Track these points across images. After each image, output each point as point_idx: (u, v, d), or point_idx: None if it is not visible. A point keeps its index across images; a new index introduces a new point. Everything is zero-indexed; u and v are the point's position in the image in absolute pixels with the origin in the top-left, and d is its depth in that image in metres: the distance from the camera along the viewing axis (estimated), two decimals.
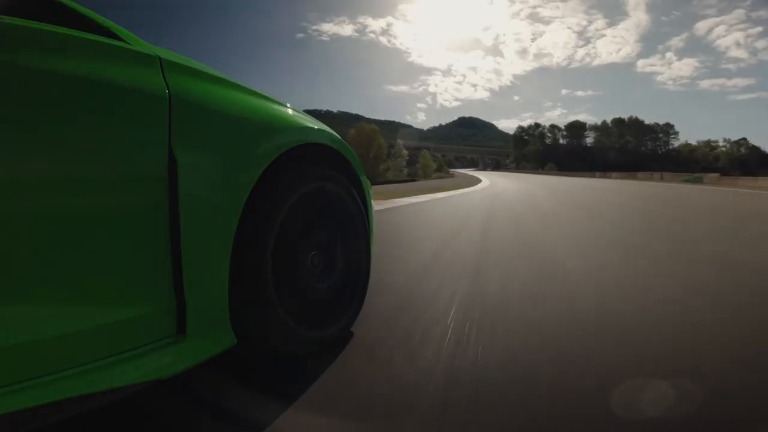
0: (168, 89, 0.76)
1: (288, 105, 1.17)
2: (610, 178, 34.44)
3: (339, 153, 1.27)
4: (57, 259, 0.60)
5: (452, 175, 42.44)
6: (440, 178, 35.45)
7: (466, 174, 41.97)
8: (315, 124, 1.21)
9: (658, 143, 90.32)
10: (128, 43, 0.77)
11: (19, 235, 0.57)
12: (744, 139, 74.48)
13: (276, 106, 1.08)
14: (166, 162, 0.72)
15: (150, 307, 0.70)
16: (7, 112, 0.58)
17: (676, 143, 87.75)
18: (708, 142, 79.97)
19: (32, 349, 0.57)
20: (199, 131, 0.81)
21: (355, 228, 1.26)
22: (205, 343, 0.78)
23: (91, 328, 0.63)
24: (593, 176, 38.81)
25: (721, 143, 78.03)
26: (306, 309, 1.04)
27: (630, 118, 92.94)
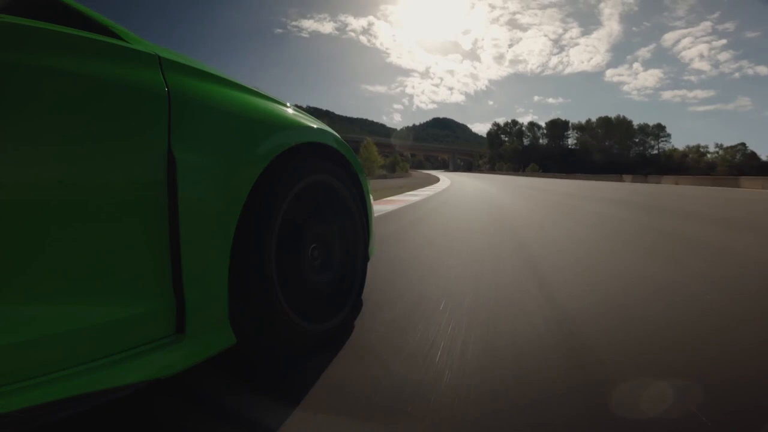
0: (167, 88, 0.76)
1: (288, 104, 1.17)
2: (623, 181, 27.88)
3: (338, 152, 1.27)
4: (56, 258, 0.60)
5: (409, 175, 36.16)
6: (385, 177, 28.79)
7: (429, 175, 34.74)
8: (315, 123, 1.21)
9: (647, 146, 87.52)
10: (127, 42, 0.77)
11: (18, 234, 0.57)
12: (742, 144, 73.17)
13: (276, 105, 1.08)
14: (166, 161, 0.72)
15: (149, 306, 0.70)
16: (6, 112, 0.57)
17: (666, 146, 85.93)
18: (698, 148, 78.84)
19: (32, 349, 0.57)
20: (198, 130, 0.80)
21: (353, 226, 1.26)
22: (204, 342, 0.78)
23: (90, 327, 0.63)
24: (599, 179, 30.55)
25: (712, 149, 76.81)
26: (305, 308, 1.04)
27: (617, 118, 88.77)
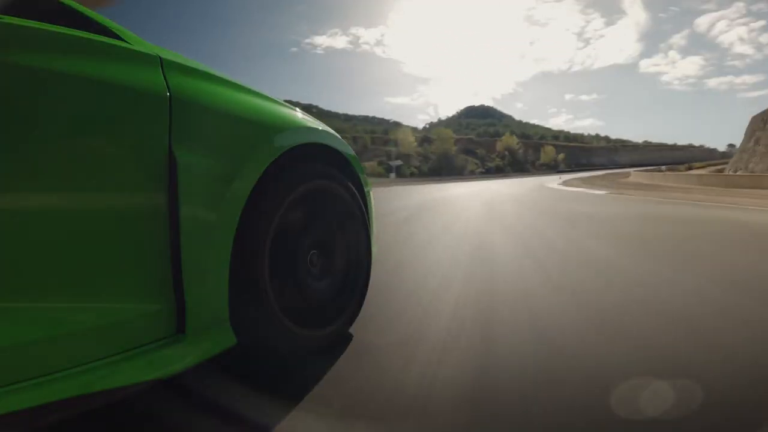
0: (168, 89, 0.76)
1: (288, 105, 1.17)
2: None
3: (339, 152, 1.27)
4: (56, 259, 0.60)
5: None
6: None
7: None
8: (316, 123, 1.21)
9: None
10: (128, 43, 0.77)
11: (18, 234, 0.57)
12: None
13: (277, 106, 1.08)
14: (166, 161, 0.72)
15: (149, 306, 0.70)
16: (7, 112, 0.58)
17: None
18: None
19: (32, 349, 0.57)
20: (199, 131, 0.80)
21: (355, 227, 1.26)
22: (204, 343, 0.78)
23: (90, 327, 0.63)
24: None
25: None
26: (305, 308, 1.04)
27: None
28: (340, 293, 1.18)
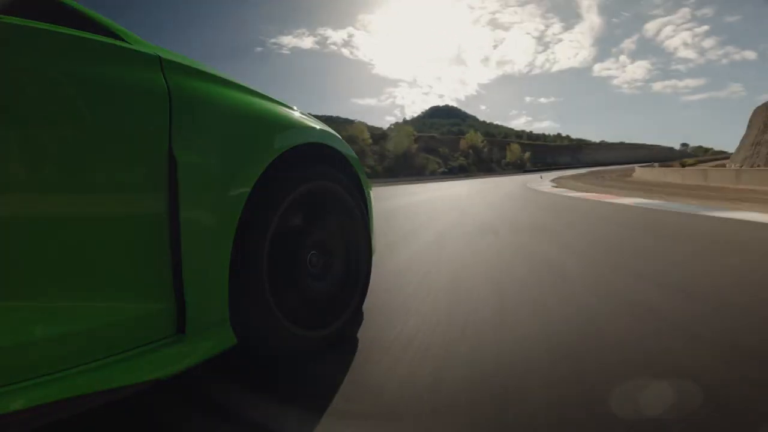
0: (168, 89, 0.76)
1: (288, 104, 1.17)
2: None
3: (339, 152, 1.27)
4: (57, 259, 0.60)
5: None
6: None
7: None
8: (315, 123, 1.21)
9: None
10: (128, 43, 0.77)
11: (19, 235, 0.57)
12: None
13: (276, 106, 1.08)
14: (167, 161, 0.72)
15: (150, 306, 0.70)
16: (7, 112, 0.58)
17: None
18: None
19: (32, 349, 0.57)
20: (199, 131, 0.80)
21: (355, 227, 1.26)
22: (205, 343, 0.78)
23: (91, 328, 0.63)
24: None
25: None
26: (305, 309, 1.04)
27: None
28: (339, 293, 1.18)
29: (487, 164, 72.75)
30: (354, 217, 1.25)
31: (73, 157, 0.63)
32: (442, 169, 58.00)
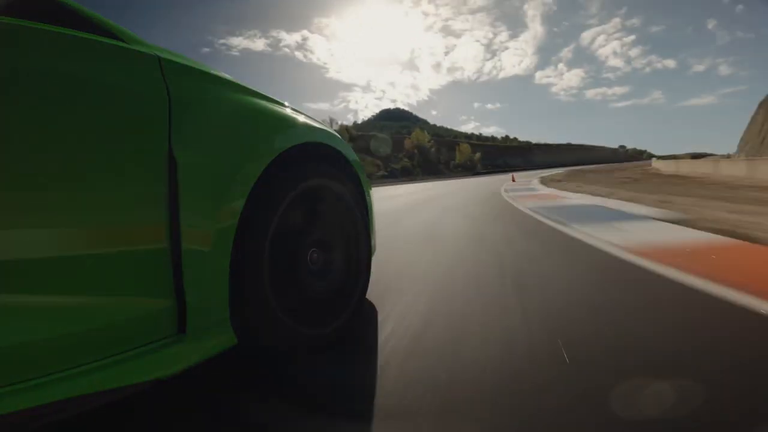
0: (168, 89, 0.76)
1: (287, 104, 1.17)
2: None
3: (339, 152, 1.27)
4: (57, 260, 0.60)
5: None
6: None
7: None
8: (315, 123, 1.21)
9: None
10: (128, 43, 0.77)
11: (19, 235, 0.57)
12: None
13: (276, 106, 1.08)
14: (166, 162, 0.72)
15: (150, 306, 0.70)
16: (7, 113, 0.58)
17: None
18: None
19: (33, 350, 0.57)
20: (198, 131, 0.80)
21: (355, 226, 1.26)
22: (205, 343, 0.78)
23: (91, 328, 0.63)
24: None
25: None
26: (305, 307, 1.04)
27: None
28: (339, 292, 1.19)
29: (434, 166, 68.35)
30: (353, 217, 1.25)
31: (72, 157, 0.63)
32: (381, 172, 51.42)
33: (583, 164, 76.17)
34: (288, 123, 1.06)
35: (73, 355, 0.61)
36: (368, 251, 1.32)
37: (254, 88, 1.05)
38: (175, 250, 0.73)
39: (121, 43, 0.76)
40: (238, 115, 0.92)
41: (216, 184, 0.81)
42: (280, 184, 0.97)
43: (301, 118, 1.15)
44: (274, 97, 1.12)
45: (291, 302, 0.98)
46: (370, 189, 1.50)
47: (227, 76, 0.97)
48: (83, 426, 0.75)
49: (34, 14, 0.69)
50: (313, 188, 1.09)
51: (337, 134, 1.32)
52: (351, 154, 1.34)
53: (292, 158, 1.02)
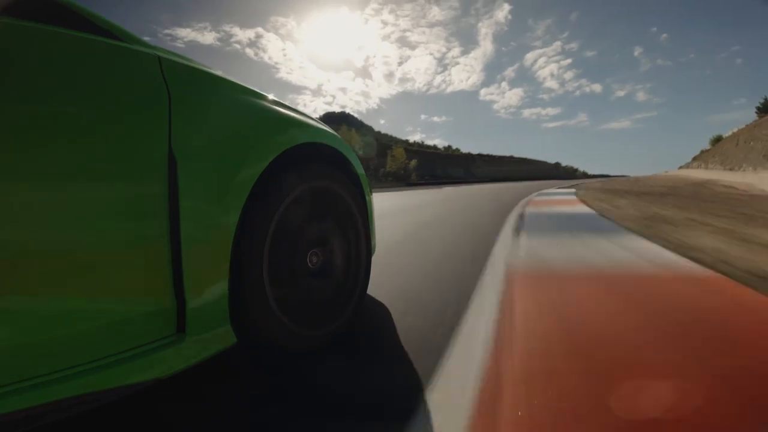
0: (167, 89, 0.76)
1: (287, 104, 1.17)
2: None
3: (338, 152, 1.27)
4: (57, 259, 0.60)
5: None
6: None
7: None
8: (315, 123, 1.21)
9: None
10: (127, 43, 0.77)
11: (19, 234, 0.57)
12: None
13: (275, 106, 1.08)
14: (166, 162, 0.72)
15: (149, 306, 0.70)
16: (7, 113, 0.58)
17: None
18: None
19: (32, 349, 0.57)
20: (198, 131, 0.80)
21: (355, 226, 1.26)
22: (205, 342, 0.78)
23: (90, 327, 0.63)
24: None
25: None
26: (305, 307, 1.04)
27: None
28: (339, 291, 1.18)
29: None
30: (353, 217, 1.25)
31: (72, 157, 0.63)
32: None
33: (532, 179, 64.66)
34: (288, 123, 1.06)
35: (73, 354, 0.61)
36: (368, 251, 1.32)
37: (255, 89, 1.05)
38: (175, 250, 0.73)
39: (121, 43, 0.76)
40: (239, 115, 0.92)
41: (216, 183, 0.80)
42: (280, 184, 0.97)
43: (302, 119, 1.15)
44: (274, 97, 1.12)
45: (291, 302, 0.98)
46: (370, 189, 1.50)
47: (227, 75, 0.97)
48: (83, 426, 0.75)
49: (34, 14, 0.69)
50: (314, 188, 1.09)
51: (338, 135, 1.32)
52: (352, 155, 1.34)
53: (292, 158, 1.02)
